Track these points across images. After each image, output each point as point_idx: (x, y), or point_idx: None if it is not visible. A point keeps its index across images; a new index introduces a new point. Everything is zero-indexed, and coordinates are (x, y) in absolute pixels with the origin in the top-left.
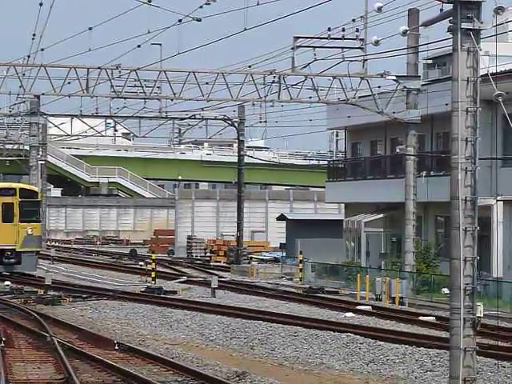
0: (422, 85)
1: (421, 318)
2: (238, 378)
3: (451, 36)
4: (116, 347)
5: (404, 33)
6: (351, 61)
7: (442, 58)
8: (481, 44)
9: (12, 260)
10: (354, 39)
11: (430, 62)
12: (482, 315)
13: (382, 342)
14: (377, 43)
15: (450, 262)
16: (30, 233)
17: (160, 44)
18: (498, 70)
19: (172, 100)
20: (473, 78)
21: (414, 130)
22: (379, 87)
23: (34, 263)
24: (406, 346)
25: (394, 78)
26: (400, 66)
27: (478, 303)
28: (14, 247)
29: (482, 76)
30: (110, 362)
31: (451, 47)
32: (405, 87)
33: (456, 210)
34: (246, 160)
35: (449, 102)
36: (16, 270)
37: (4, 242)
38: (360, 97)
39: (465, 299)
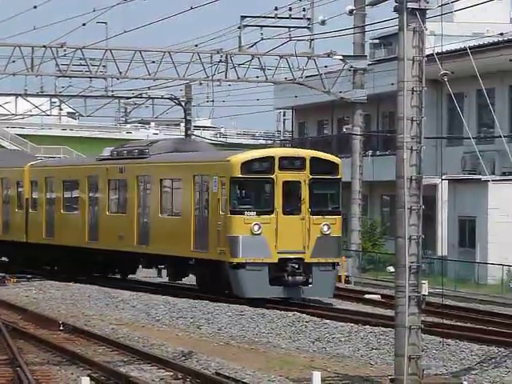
0: (369, 64)
1: (366, 296)
2: (184, 358)
3: (397, 16)
4: (61, 327)
5: (350, 12)
6: (298, 40)
7: (388, 37)
8: (426, 24)
9: (298, 277)
10: (301, 19)
11: (376, 41)
12: (426, 293)
13: (328, 321)
14: (323, 23)
15: (396, 241)
16: (325, 232)
17: (105, 22)
18: (444, 50)
19: (118, 79)
20: (418, 58)
21: (361, 109)
22: (326, 67)
23: (330, 283)
24: (352, 324)
25: (341, 57)
26: (347, 45)
27: (423, 281)
28: (301, 256)
29: (427, 56)
30: (54, 342)
31: (397, 27)
32: (351, 67)
33: (401, 189)
34: None
35: (395, 82)
36: (304, 294)
37: (286, 248)
38: (307, 76)
39: (410, 277)
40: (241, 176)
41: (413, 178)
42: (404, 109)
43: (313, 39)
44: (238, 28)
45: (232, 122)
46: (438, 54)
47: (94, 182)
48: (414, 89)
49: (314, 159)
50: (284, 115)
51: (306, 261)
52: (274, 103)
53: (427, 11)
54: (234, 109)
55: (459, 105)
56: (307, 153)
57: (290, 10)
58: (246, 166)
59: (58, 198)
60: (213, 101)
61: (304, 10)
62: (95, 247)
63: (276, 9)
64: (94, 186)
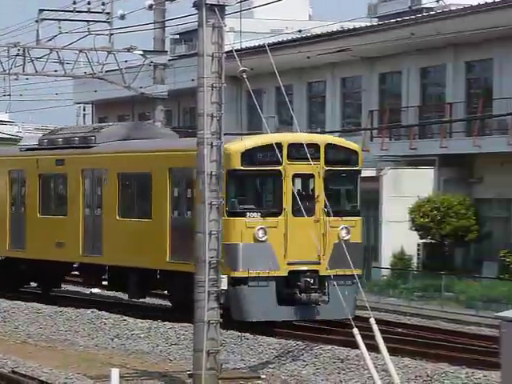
0: (169, 60)
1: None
2: None
3: (197, 11)
4: None
5: (150, 7)
6: (97, 35)
7: (188, 33)
8: (226, 20)
9: (313, 295)
10: (100, 13)
11: (177, 37)
12: (226, 288)
13: (127, 317)
14: (123, 17)
15: (195, 236)
16: (344, 237)
17: None
18: (243, 47)
19: None
20: (218, 54)
21: (162, 105)
22: (126, 61)
23: (351, 301)
24: (151, 320)
25: (141, 52)
26: (147, 40)
27: (223, 276)
28: (316, 268)
29: (226, 52)
30: None
31: (197, 23)
32: (152, 62)
33: (202, 185)
34: None
35: (195, 78)
36: (320, 316)
37: (297, 258)
38: (107, 71)
39: (210, 272)
40: (242, 168)
41: (213, 173)
42: (204, 105)
43: (112, 34)
44: (36, 21)
45: (30, 116)
46: (237, 50)
47: (18, 178)
48: (214, 85)
49: (329, 146)
50: (84, 110)
51: (321, 273)
52: (74, 98)
53: (226, 7)
54: (32, 103)
55: (258, 101)
56: (322, 138)
57: (89, 3)
58: (248, 155)
59: None
60: (10, 95)
61: (103, 4)
62: (20, 256)
63: (74, 3)
64: (18, 183)
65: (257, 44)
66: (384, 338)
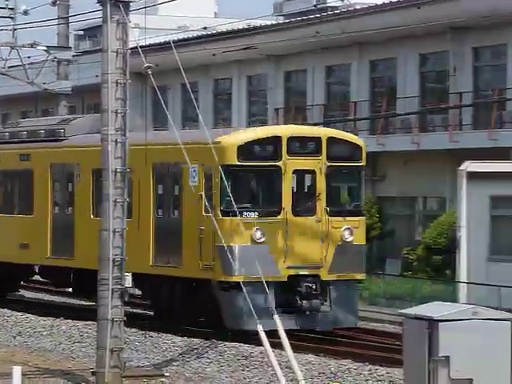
0: (73, 56)
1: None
2: None
3: (101, 7)
4: None
5: (54, 3)
6: (0, 30)
7: (92, 29)
8: (131, 16)
9: (314, 301)
10: (4, 8)
11: (81, 33)
12: (130, 285)
13: (29, 315)
14: (26, 13)
15: (100, 234)
16: (347, 238)
17: None
18: (148, 43)
19: None
20: (122, 50)
21: (65, 101)
22: (29, 57)
23: (353, 307)
24: (54, 318)
25: (45, 48)
26: (51, 36)
27: (127, 274)
28: (317, 272)
29: (131, 48)
30: None
31: (101, 19)
32: (55, 58)
33: (106, 182)
34: None
35: (99, 74)
36: (320, 325)
37: (298, 261)
38: (10, 66)
39: (114, 270)
40: (238, 164)
41: (117, 170)
42: (108, 101)
43: (16, 29)
44: None
45: None
46: (141, 46)
47: None
48: (118, 81)
49: (332, 140)
50: None
51: (322, 278)
52: None
53: (131, 4)
54: None
55: (164, 97)
56: (323, 131)
57: None
58: (245, 149)
59: None
60: None
61: None
62: None
63: None
64: None
65: (162, 40)
66: (289, 336)
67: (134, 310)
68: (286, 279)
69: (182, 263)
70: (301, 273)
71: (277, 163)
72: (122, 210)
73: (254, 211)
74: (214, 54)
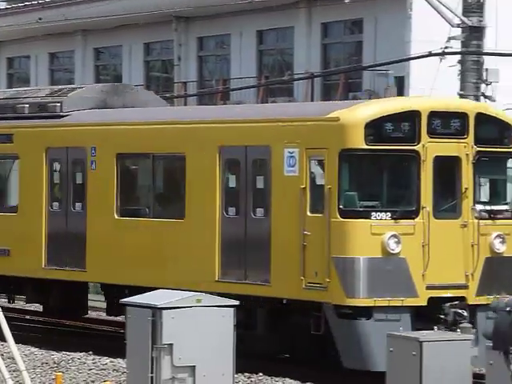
0: None
1: None
2: None
3: None
4: None
5: None
6: None
7: None
8: None
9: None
10: None
11: None
12: None
13: None
14: None
15: None
16: (498, 249)
17: None
18: None
19: None
20: None
21: None
22: None
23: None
24: None
25: None
26: None
27: None
28: (462, 293)
29: None
30: None
31: None
32: None
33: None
34: None
35: None
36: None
37: (440, 279)
38: None
39: None
40: (365, 148)
41: None
42: None
43: None
44: None
45: None
46: None
47: None
48: None
49: (481, 117)
50: None
51: (469, 302)
52: None
53: None
54: None
55: None
56: (471, 105)
57: None
58: (374, 128)
59: None
60: None
61: None
62: None
63: None
64: None
65: None
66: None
67: None
68: (426, 303)
69: (270, 280)
70: (444, 295)
71: (414, 147)
72: None
73: (385, 211)
74: None
